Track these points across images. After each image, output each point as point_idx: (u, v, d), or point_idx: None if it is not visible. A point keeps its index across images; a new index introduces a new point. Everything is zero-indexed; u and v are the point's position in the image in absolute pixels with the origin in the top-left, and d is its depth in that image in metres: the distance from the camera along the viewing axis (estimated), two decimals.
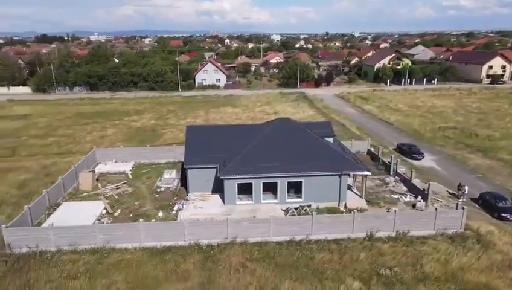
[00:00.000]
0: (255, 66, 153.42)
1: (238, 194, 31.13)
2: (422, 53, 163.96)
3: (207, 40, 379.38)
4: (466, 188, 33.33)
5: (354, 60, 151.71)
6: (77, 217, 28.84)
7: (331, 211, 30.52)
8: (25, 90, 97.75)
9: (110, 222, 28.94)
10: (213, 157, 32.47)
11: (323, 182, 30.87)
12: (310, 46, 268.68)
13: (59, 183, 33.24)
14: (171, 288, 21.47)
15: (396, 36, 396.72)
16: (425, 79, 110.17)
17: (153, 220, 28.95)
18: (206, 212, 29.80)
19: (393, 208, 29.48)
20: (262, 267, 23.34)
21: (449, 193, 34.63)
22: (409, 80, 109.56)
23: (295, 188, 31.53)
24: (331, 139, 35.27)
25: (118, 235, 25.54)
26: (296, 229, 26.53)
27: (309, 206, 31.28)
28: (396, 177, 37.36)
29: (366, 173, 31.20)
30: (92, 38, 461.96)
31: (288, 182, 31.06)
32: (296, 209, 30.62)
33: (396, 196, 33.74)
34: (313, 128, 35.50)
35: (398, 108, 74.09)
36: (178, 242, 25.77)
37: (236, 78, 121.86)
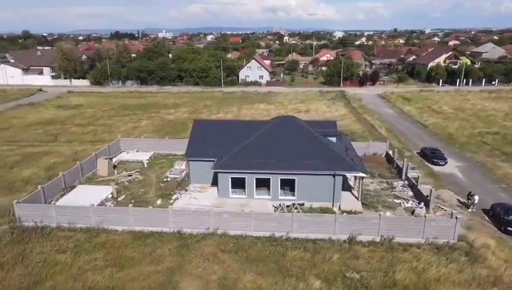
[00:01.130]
0: (304, 63, 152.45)
1: (232, 188, 32.00)
2: (492, 51, 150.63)
3: (268, 36, 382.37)
4: (476, 197, 31.05)
5: (411, 58, 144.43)
6: (86, 199, 31.52)
7: (324, 211, 30.22)
8: (84, 83, 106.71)
9: (112, 205, 31.42)
10: (213, 151, 33.55)
11: (317, 181, 30.65)
12: (370, 43, 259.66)
13: (77, 167, 36.59)
14: (142, 269, 23.00)
15: (472, 33, 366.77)
16: (484, 80, 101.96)
17: (150, 207, 30.86)
18: (199, 203, 31.09)
19: (379, 213, 28.48)
20: (232, 259, 24.07)
21: (459, 201, 32.49)
22: (465, 80, 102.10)
23: (288, 186, 31.69)
24: (334, 139, 34.69)
25: (110, 218, 27.74)
26: (276, 226, 26.80)
27: (302, 204, 31.27)
28: (405, 181, 35.79)
29: (360, 174, 30.39)
30: (160, 35, 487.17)
31: (281, 179, 31.29)
32: (287, 206, 30.80)
33: (398, 201, 32.46)
34: (316, 126, 35.21)
35: (441, 110, 69.73)
36: (163, 229, 27.34)
37: (282, 75, 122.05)
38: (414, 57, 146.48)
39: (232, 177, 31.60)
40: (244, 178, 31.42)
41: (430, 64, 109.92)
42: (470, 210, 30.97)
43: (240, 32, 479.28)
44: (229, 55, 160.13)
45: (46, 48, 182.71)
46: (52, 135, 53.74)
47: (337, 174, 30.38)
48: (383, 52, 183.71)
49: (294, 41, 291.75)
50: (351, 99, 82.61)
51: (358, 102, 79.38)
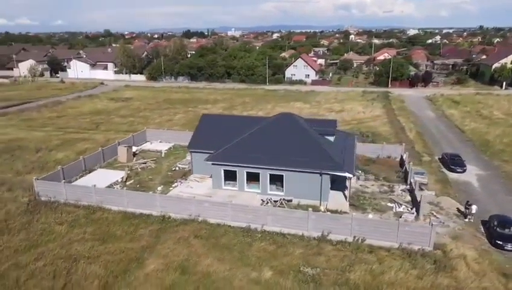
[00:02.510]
0: (360, 62, 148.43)
1: (225, 179, 33.61)
2: None
3: (337, 35, 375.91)
4: (474, 207, 29.22)
5: (479, 58, 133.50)
6: (100, 181, 35.43)
7: (311, 208, 30.56)
8: (141, 78, 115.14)
9: (119, 188, 34.75)
10: (215, 144, 35.24)
11: (304, 179, 31.07)
12: (445, 41, 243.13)
13: (99, 152, 40.80)
14: (120, 245, 25.61)
15: None
16: None
17: (151, 192, 33.63)
18: (192, 192, 33.18)
19: (353, 213, 28.22)
20: (201, 244, 25.75)
21: (459, 210, 30.75)
22: None
23: (277, 182, 32.46)
24: (332, 138, 34.63)
25: (108, 198, 30.93)
26: (252, 218, 27.90)
27: (290, 201, 31.92)
28: (408, 186, 34.58)
29: (347, 174, 30.21)
30: (230, 33, 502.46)
31: (270, 175, 32.19)
32: (275, 201, 31.67)
33: (392, 205, 31.66)
34: (315, 125, 35.45)
35: (490, 115, 64.43)
36: (152, 212, 29.83)
37: (330, 74, 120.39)
38: (484, 56, 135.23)
39: (224, 170, 33.22)
40: (236, 171, 32.86)
41: (495, 65, 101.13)
42: (466, 220, 29.26)
43: (309, 31, 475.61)
44: (284, 54, 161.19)
45: (127, 45, 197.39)
46: (95, 124, 59.64)
47: (324, 173, 30.52)
48: (450, 52, 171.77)
49: (359, 40, 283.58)
50: (393, 100, 79.48)
51: (400, 103, 76.14)
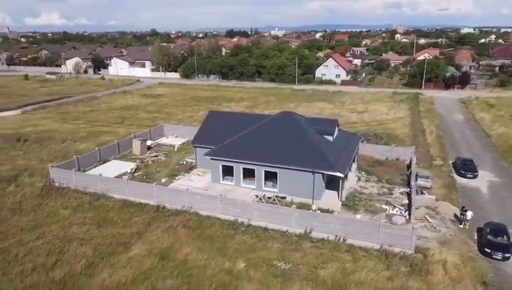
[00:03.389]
0: (398, 62, 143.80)
1: (223, 174, 34.73)
2: None
3: (383, 34, 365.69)
4: (469, 213, 28.22)
5: None
6: (112, 171, 37.93)
7: (303, 206, 30.94)
8: (175, 75, 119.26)
9: (127, 178, 36.91)
10: (218, 139, 36.43)
11: (298, 177, 31.45)
12: (500, 41, 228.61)
13: (114, 145, 43.46)
14: (113, 230, 27.50)
15: None
16: None
17: (154, 183, 35.47)
18: (191, 185, 34.61)
19: (336, 212, 28.23)
20: (186, 234, 27.04)
21: (456, 216, 29.77)
22: None
23: (272, 178, 33.07)
24: (330, 137, 34.63)
25: (112, 187, 33.11)
26: (239, 212, 28.79)
27: (284, 198, 32.46)
28: (407, 189, 33.86)
29: (338, 174, 30.21)
30: (273, 33, 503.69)
31: (265, 171, 32.89)
32: (269, 198, 32.33)
33: (386, 207, 31.25)
34: (315, 124, 35.59)
35: None
36: (150, 202, 31.58)
37: (363, 75, 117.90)
38: None
39: (222, 165, 34.34)
40: (232, 166, 33.87)
41: None
42: (461, 226, 28.32)
43: (355, 30, 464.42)
44: (320, 54, 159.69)
45: (162, 44, 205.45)
46: (121, 118, 63.10)
47: (316, 172, 30.74)
48: (500, 52, 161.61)
49: (404, 39, 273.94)
50: (422, 102, 76.73)
51: (429, 105, 73.40)
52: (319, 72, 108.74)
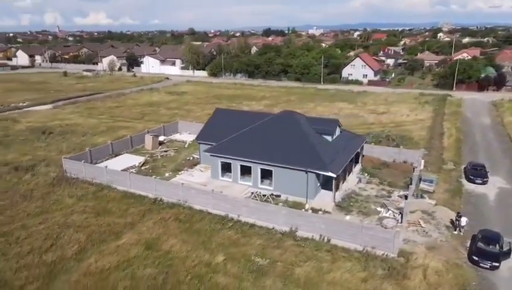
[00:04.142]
0: (433, 62, 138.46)
1: (222, 171, 35.49)
2: None
3: (426, 33, 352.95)
4: (464, 219, 27.24)
5: None
6: (122, 164, 39.82)
7: (297, 205, 31.13)
8: (203, 74, 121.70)
9: (134, 171, 38.59)
10: (220, 136, 37.25)
11: (292, 175, 31.63)
12: None
13: (127, 139, 45.48)
14: (109, 219, 29.03)
15: None
16: None
17: (158, 177, 36.88)
18: (190, 180, 35.68)
19: (320, 212, 28.06)
20: (176, 226, 28.04)
21: (452, 222, 28.78)
22: None
23: (268, 177, 33.41)
24: (329, 137, 34.43)
25: (116, 179, 34.82)
26: (229, 208, 29.46)
27: (278, 196, 32.76)
28: (406, 192, 33.06)
29: (330, 174, 30.08)
30: (310, 32, 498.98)
31: (261, 169, 33.29)
32: (264, 195, 32.75)
33: (380, 209, 30.77)
34: (315, 124, 35.52)
35: None
36: (148, 194, 32.95)
37: (393, 75, 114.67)
38: None
39: (221, 162, 35.10)
40: (230, 163, 34.55)
41: None
42: (455, 232, 27.39)
43: (397, 29, 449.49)
44: (351, 53, 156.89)
45: (197, 42, 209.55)
46: (142, 114, 65.58)
47: (309, 171, 30.78)
48: None
49: (447, 38, 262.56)
50: (449, 104, 73.80)
51: (455, 108, 70.47)
52: (345, 72, 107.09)
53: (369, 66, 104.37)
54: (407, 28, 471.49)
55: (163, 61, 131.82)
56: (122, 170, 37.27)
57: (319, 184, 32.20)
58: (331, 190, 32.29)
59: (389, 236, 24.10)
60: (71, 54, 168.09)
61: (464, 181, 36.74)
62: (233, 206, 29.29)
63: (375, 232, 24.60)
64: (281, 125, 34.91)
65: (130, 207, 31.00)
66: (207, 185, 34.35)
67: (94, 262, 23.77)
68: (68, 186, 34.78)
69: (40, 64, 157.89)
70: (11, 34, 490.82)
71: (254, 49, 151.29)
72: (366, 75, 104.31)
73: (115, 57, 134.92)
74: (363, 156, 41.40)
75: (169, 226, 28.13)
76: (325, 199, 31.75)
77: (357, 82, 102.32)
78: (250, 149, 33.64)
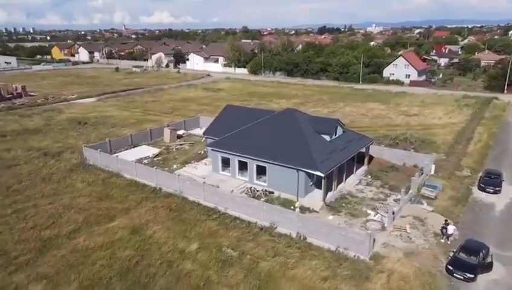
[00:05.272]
0: (491, 62, 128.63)
1: (223, 165, 36.68)
2: None
3: (498, 30, 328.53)
4: (450, 228, 26.04)
5: None
6: (138, 155, 42.65)
7: (288, 203, 31.52)
8: (244, 71, 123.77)
9: (146, 162, 41.12)
10: (224, 132, 38.43)
11: (284, 173, 32.00)
12: None
13: (146, 131, 48.33)
14: (108, 204, 31.46)
15: None
16: None
17: (166, 169, 39.02)
18: (192, 172, 37.31)
19: (297, 210, 28.17)
20: (165, 214, 29.73)
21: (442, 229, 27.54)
22: None
23: (263, 173, 34.02)
24: (327, 137, 34.19)
25: (124, 168, 37.42)
26: (218, 200, 30.61)
27: (272, 192, 33.30)
28: (402, 197, 32.00)
29: (318, 173, 30.03)
30: (369, 29, 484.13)
31: (256, 165, 34.00)
32: (257, 191, 33.49)
33: (370, 212, 30.19)
34: (315, 123, 35.45)
35: None
36: (151, 183, 35.10)
37: (440, 75, 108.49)
38: None
39: (221, 156, 36.31)
40: (229, 158, 35.64)
41: None
42: (442, 240, 26.23)
43: (464, 26, 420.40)
44: (400, 52, 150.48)
45: (246, 40, 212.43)
46: (172, 109, 68.77)
47: (299, 170, 30.97)
48: None
49: None
50: (492, 108, 68.75)
51: (498, 112, 65.59)
52: (387, 72, 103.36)
53: (413, 66, 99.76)
54: (478, 26, 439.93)
55: (207, 59, 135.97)
56: (135, 160, 39.95)
57: (311, 183, 32.24)
58: (325, 189, 32.22)
59: (361, 238, 23.80)
60: (126, 51, 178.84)
61: (475, 189, 34.65)
62: (222, 199, 30.38)
63: (347, 233, 24.38)
64: (281, 123, 35.32)
65: (131, 194, 33.26)
66: (206, 178, 35.75)
67: (83, 241, 26.12)
68: (83, 172, 38.01)
69: (98, 61, 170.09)
70: (82, 32, 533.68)
71: (300, 48, 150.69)
72: (409, 75, 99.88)
73: (162, 54, 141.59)
74: (372, 157, 40.52)
75: (160, 213, 29.91)
76: (316, 198, 31.72)
77: (397, 82, 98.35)
78: (248, 145, 34.45)
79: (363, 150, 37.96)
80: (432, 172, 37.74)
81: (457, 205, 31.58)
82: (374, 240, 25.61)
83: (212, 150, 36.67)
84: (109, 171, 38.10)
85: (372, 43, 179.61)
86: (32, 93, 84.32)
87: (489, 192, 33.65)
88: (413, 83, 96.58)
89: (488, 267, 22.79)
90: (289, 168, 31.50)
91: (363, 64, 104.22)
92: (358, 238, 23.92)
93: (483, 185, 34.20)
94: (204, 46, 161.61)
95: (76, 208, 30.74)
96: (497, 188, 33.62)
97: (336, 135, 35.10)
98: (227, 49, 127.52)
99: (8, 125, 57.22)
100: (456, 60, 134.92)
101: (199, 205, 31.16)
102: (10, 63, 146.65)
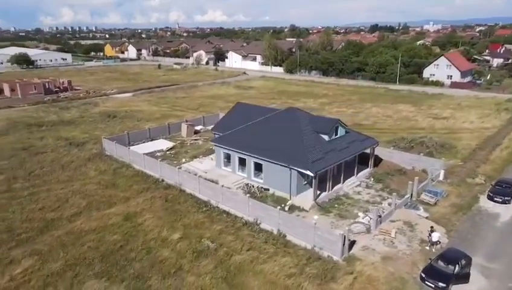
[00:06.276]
0: None
1: (225, 161, 37.69)
2: None
3: None
4: (435, 235, 25.13)
5: None
6: (154, 147, 45.01)
7: (282, 200, 31.90)
8: (280, 70, 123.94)
9: (159, 155, 43.23)
10: (230, 129, 39.39)
11: (278, 171, 32.37)
12: None
13: (165, 126, 50.62)
14: (113, 191, 33.69)
15: None
16: None
17: (175, 162, 40.83)
18: (196, 166, 38.71)
19: (278, 207, 28.27)
20: (160, 204, 31.32)
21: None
22: None
23: (259, 170, 34.57)
24: (326, 137, 33.94)
25: (135, 160, 39.68)
26: (211, 194, 31.69)
27: (267, 189, 33.82)
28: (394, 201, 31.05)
29: (307, 172, 30.07)
30: (425, 27, 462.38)
31: (254, 162, 34.64)
32: (251, 187, 34.14)
33: (360, 214, 29.75)
34: (315, 122, 35.31)
35: None
36: (155, 175, 36.99)
37: (488, 77, 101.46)
38: None
39: (223, 152, 37.33)
40: (230, 154, 36.57)
41: None
42: (428, 248, 25.36)
43: None
44: (451, 51, 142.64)
45: (290, 39, 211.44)
46: (199, 105, 70.96)
47: (292, 168, 31.19)
48: None
49: None
50: None
51: None
52: (427, 72, 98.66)
53: (455, 67, 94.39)
54: None
55: (245, 57, 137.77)
56: (148, 153, 42.16)
57: (305, 182, 32.29)
58: (318, 188, 32.19)
59: (334, 238, 23.72)
60: (172, 48, 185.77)
61: (484, 198, 32.77)
62: (214, 193, 31.41)
63: (323, 233, 24.36)
64: (281, 122, 35.62)
65: (135, 184, 35.31)
66: (207, 173, 37.00)
67: (79, 224, 28.35)
68: (99, 162, 40.82)
69: (144, 58, 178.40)
70: (138, 30, 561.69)
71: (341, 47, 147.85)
72: (451, 76, 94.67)
73: (203, 52, 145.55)
74: (381, 160, 39.58)
75: (155, 203, 31.56)
76: (309, 197, 31.72)
77: (437, 83, 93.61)
78: (248, 142, 35.14)
79: (368, 151, 37.23)
80: (441, 178, 36.15)
81: (458, 213, 30.14)
82: (355, 242, 25.52)
83: (215, 145, 37.81)
84: (122, 161, 40.57)
85: (419, 42, 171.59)
86: (78, 88, 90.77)
87: (497, 202, 31.72)
88: (454, 85, 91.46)
89: (464, 278, 21.80)
90: (283, 166, 31.81)
91: (403, 64, 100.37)
92: (331, 239, 23.86)
93: (491, 194, 32.28)
94: (245, 45, 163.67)
95: (83, 194, 33.24)
96: (507, 198, 31.57)
97: (336, 135, 34.78)
98: (265, 48, 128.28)
99: (47, 116, 62.41)
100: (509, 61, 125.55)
101: (194, 197, 32.44)
102: (66, 59, 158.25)
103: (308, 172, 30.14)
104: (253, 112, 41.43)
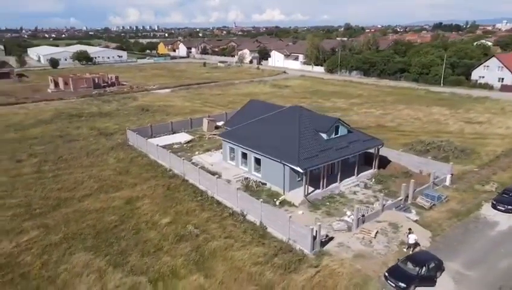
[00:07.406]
0: None
1: (231, 155, 39.31)
2: None
3: None
4: (412, 237, 24.77)
5: None
6: (174, 140, 47.96)
7: (276, 195, 32.98)
8: (320, 69, 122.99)
9: (176, 147, 45.94)
10: (239, 124, 41.03)
11: (274, 166, 33.39)
12: None
13: (187, 120, 53.41)
14: (124, 178, 36.71)
15: None
16: None
17: (189, 154, 43.26)
18: (205, 159, 40.76)
19: (260, 200, 29.16)
20: (161, 192, 33.72)
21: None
22: None
23: (259, 164, 35.73)
24: (324, 135, 34.24)
25: (151, 150, 42.67)
26: (208, 185, 33.50)
27: (264, 184, 34.96)
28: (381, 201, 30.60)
29: (298, 169, 30.72)
30: (497, 26, 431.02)
31: (254, 157, 35.90)
32: (248, 180, 35.39)
33: (348, 213, 29.91)
34: (315, 121, 35.72)
35: None
36: (166, 165, 39.61)
37: None
38: None
39: (229, 146, 38.98)
40: (234, 149, 38.13)
41: None
42: (405, 250, 25.10)
43: None
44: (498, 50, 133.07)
45: (342, 38, 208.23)
46: (229, 102, 73.25)
47: (284, 164, 32.04)
48: None
49: None
50: None
51: None
52: (476, 74, 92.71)
53: (508, 68, 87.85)
54: None
55: (287, 56, 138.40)
56: (167, 145, 45.05)
57: (299, 179, 32.92)
58: (313, 186, 32.74)
59: (305, 232, 24.38)
60: (220, 47, 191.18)
61: (487, 206, 31.24)
62: (211, 184, 33.18)
63: (296, 227, 25.09)
64: (283, 119, 36.49)
65: (145, 172, 38.15)
66: (213, 165, 38.89)
67: (86, 204, 31.53)
68: (120, 151, 44.37)
69: (193, 56, 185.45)
70: (197, 29, 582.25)
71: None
72: (502, 79, 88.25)
73: (247, 51, 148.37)
74: (390, 161, 38.98)
75: (157, 190, 34.02)
76: (300, 193, 32.35)
77: (485, 86, 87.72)
78: (250, 138, 36.48)
79: (373, 151, 36.91)
80: (447, 182, 34.90)
81: (452, 218, 29.15)
82: (333, 238, 25.95)
83: (222, 140, 39.58)
84: (140, 151, 43.79)
85: (478, 42, 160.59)
86: (124, 83, 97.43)
87: (500, 210, 30.14)
88: (505, 88, 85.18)
89: (430, 280, 21.48)
90: (277, 162, 32.75)
91: (450, 65, 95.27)
92: (303, 232, 24.53)
93: (495, 202, 30.71)
94: (290, 44, 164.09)
95: (97, 178, 36.63)
96: (510, 207, 29.88)
97: (336, 134, 34.95)
98: (307, 47, 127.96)
99: (89, 108, 68.20)
100: None
101: (194, 187, 34.45)
102: (121, 56, 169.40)
103: (298, 168, 30.82)
104: (265, 109, 42.62)
